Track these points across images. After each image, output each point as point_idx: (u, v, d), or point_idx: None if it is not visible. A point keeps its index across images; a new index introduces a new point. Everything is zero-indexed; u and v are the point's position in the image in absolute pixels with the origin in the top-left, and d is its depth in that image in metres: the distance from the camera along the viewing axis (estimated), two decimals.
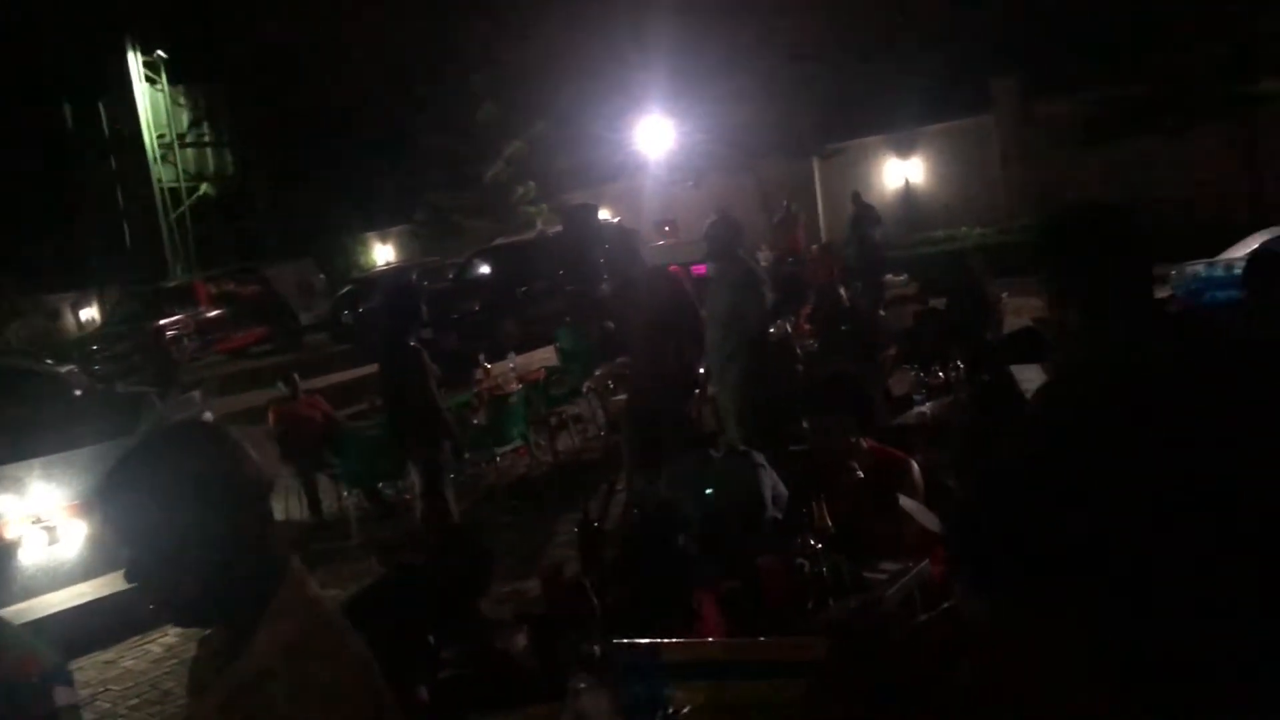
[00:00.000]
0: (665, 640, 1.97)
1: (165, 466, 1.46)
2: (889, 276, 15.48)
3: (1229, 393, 1.55)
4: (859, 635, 1.55)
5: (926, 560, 3.70)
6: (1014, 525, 1.40)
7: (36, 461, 7.07)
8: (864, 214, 17.00)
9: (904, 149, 21.44)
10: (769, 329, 6.88)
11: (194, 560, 1.45)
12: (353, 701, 1.46)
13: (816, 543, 3.49)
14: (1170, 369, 1.62)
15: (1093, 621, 1.19)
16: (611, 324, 7.77)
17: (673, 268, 12.52)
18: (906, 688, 1.31)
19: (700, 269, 12.31)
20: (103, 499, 1.46)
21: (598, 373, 9.75)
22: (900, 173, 21.27)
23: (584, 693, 2.11)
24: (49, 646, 2.08)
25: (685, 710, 1.78)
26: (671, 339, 6.53)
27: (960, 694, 1.17)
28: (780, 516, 4.17)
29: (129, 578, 1.47)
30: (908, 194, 20.17)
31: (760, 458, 4.47)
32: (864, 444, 3.92)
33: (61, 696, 2.08)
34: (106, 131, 36.54)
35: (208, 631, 1.63)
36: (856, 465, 3.77)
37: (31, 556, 6.91)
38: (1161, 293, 12.21)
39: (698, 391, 7.50)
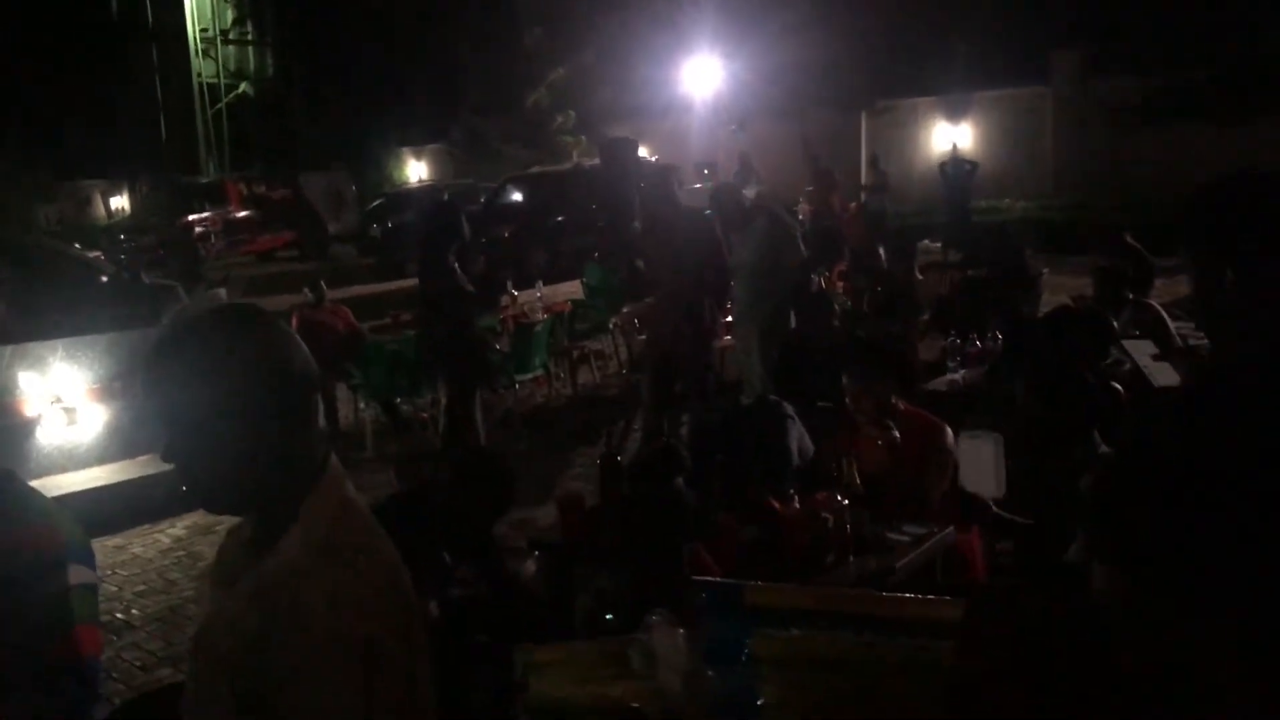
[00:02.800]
0: (751, 583, 1.86)
1: (216, 345, 1.40)
2: (925, 242, 15.30)
3: None
4: (1009, 605, 1.45)
5: (951, 528, 3.66)
6: (1164, 507, 1.32)
7: (60, 342, 7.06)
8: (957, 164, 16.84)
9: (955, 113, 21.04)
10: (808, 280, 6.81)
11: (234, 445, 1.40)
12: (384, 607, 1.41)
13: (843, 499, 3.44)
14: None
15: (1238, 615, 1.13)
16: (641, 263, 7.71)
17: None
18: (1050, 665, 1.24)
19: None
20: (148, 373, 1.40)
21: (624, 311, 9.68)
22: (949, 137, 20.89)
23: (657, 628, 1.98)
24: (75, 522, 2.04)
25: (766, 658, 1.68)
26: (696, 283, 6.45)
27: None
28: (806, 470, 4.12)
29: (165, 457, 1.41)
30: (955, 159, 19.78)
31: (790, 409, 4.41)
32: (900, 405, 3.85)
33: (75, 575, 2.02)
34: (150, 20, 36.26)
35: (234, 521, 1.58)
36: (893, 426, 3.70)
37: (49, 436, 6.94)
38: None
39: (718, 340, 7.47)
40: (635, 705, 1.91)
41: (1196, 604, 0.99)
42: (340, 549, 1.41)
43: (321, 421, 1.52)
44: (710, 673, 1.76)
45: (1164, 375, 4.93)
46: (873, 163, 18.24)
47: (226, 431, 1.39)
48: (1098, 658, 1.19)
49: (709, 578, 1.88)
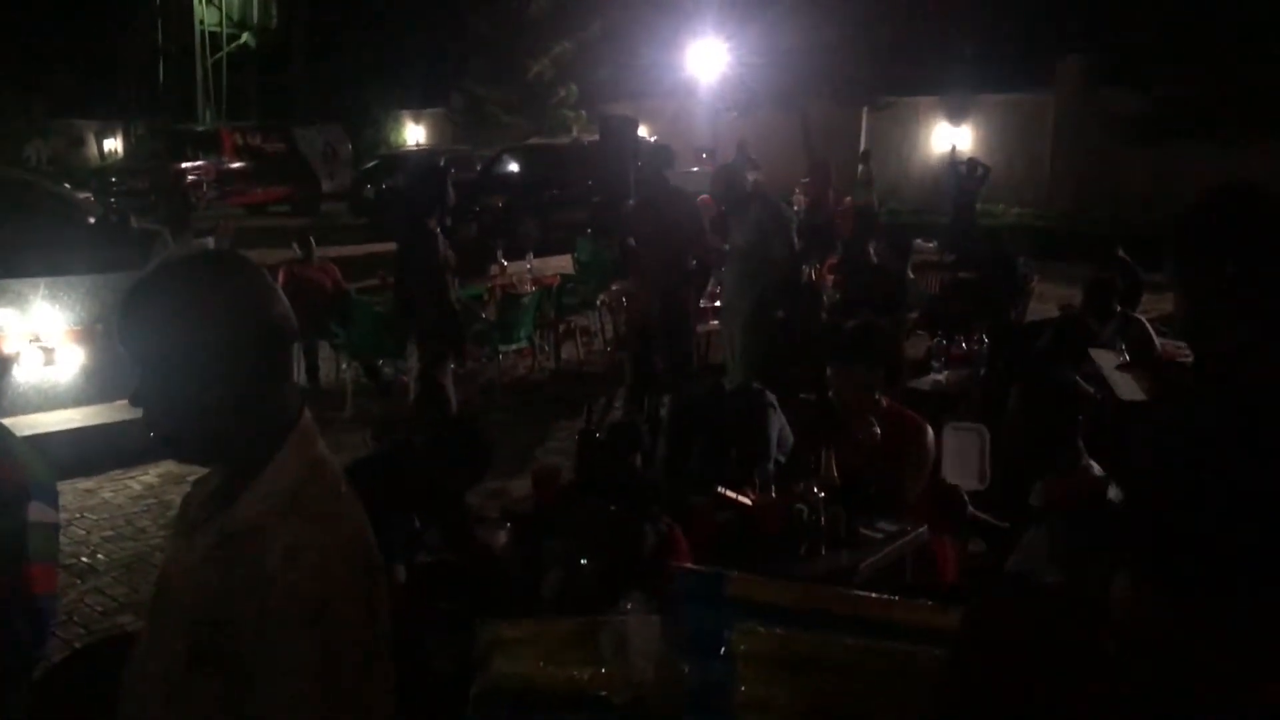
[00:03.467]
0: (734, 573, 1.79)
1: (192, 290, 1.37)
2: (918, 241, 15.25)
3: None
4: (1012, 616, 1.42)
5: (925, 527, 3.66)
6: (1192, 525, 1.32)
7: (41, 280, 6.98)
8: (971, 166, 16.55)
9: (956, 115, 21.00)
10: (797, 271, 6.79)
11: (204, 393, 1.37)
12: (345, 567, 1.39)
13: (819, 491, 3.43)
14: None
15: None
16: (632, 240, 7.69)
17: (704, 198, 12.39)
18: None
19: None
20: (121, 314, 1.37)
21: (613, 288, 9.65)
22: (949, 138, 20.87)
23: (631, 613, 1.91)
24: (42, 461, 2.01)
25: (748, 654, 1.62)
26: (678, 264, 6.44)
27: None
28: (784, 460, 4.11)
29: (134, 401, 1.38)
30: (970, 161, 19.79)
31: (772, 398, 4.40)
32: (883, 401, 3.84)
33: (35, 512, 1.99)
34: None
35: (204, 471, 1.55)
36: (874, 422, 3.69)
37: (26, 374, 6.87)
38: None
39: (702, 323, 7.45)
40: (603, 692, 1.85)
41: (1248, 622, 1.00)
42: (304, 507, 1.39)
43: (300, 376, 1.50)
44: (685, 665, 1.69)
45: (1128, 388, 4.91)
46: (863, 158, 18.17)
47: (197, 379, 1.36)
48: (1101, 667, 1.18)
49: (689, 565, 1.80)
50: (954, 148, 19.33)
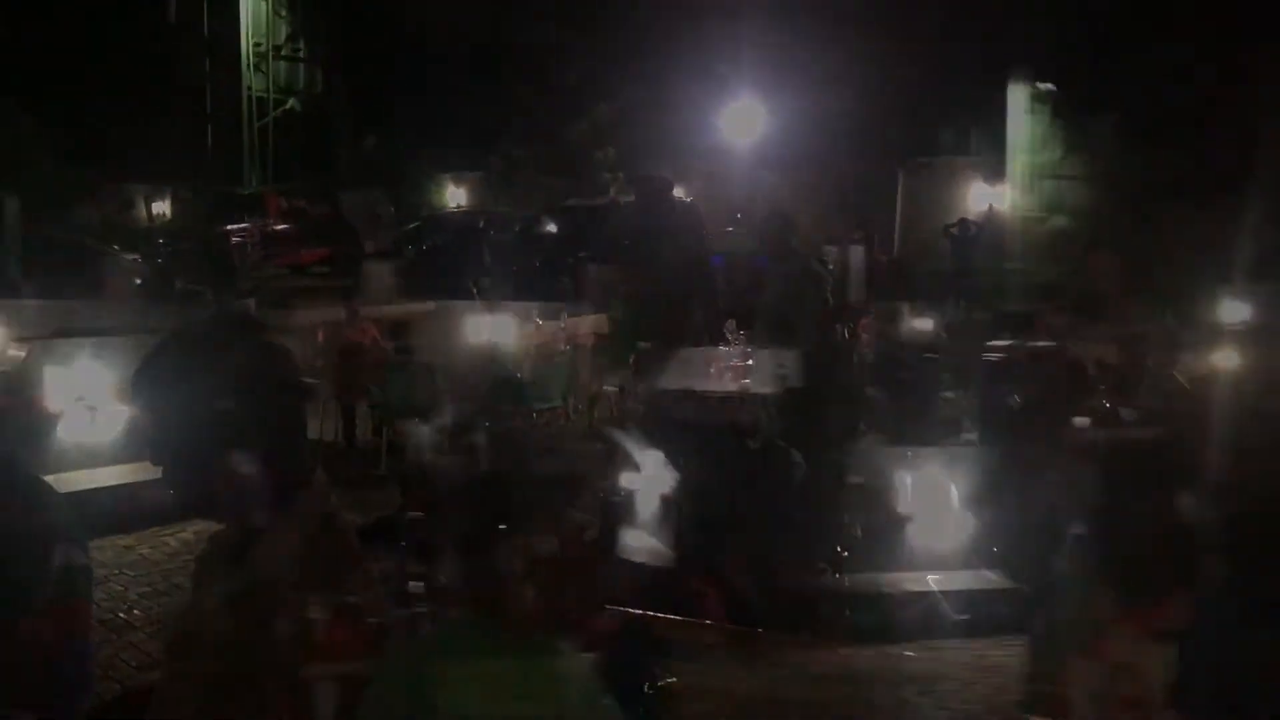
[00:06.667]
0: (659, 615, 1.93)
1: (208, 354, 1.44)
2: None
3: None
4: None
5: None
6: None
7: (88, 340, 7.15)
8: (963, 227, 16.76)
9: (992, 175, 21.05)
10: (829, 328, 6.80)
11: (219, 453, 1.42)
12: (355, 621, 1.43)
13: (844, 551, 3.43)
14: None
15: None
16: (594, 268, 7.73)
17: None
18: None
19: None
20: (140, 378, 1.44)
21: (642, 346, 9.68)
22: (985, 198, 20.89)
23: (563, 651, 2.06)
24: (68, 507, 2.06)
25: (671, 683, 1.73)
26: (687, 321, 6.47)
27: None
28: (809, 518, 4.10)
29: (154, 460, 1.45)
30: (990, 220, 19.82)
31: (798, 457, 4.40)
32: None
33: (62, 555, 2.02)
34: (206, 31, 36.88)
35: (220, 526, 1.61)
36: None
37: (70, 432, 7.00)
38: None
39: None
40: None
41: None
42: (312, 562, 1.43)
43: (337, 435, 1.55)
44: (611, 698, 1.82)
45: None
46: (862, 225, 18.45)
47: (211, 438, 1.42)
48: None
49: (620, 608, 1.92)
50: (990, 207, 19.37)
